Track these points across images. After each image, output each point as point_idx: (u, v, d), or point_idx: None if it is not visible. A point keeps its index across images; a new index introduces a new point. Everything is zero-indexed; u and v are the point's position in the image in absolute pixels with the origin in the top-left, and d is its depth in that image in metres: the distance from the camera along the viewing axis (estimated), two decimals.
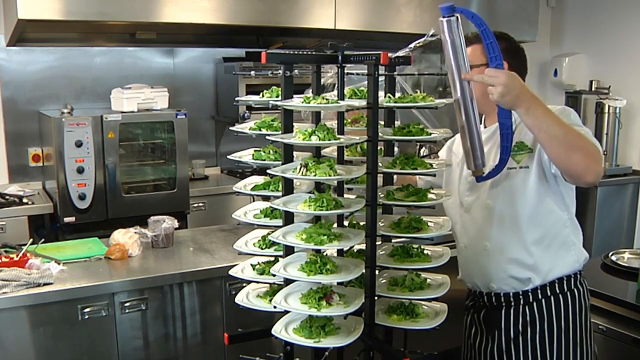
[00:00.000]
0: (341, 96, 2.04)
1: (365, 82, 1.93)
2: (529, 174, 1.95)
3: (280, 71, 1.92)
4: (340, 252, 2.08)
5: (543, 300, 2.00)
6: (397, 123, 2.11)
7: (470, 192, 2.08)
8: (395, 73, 2.04)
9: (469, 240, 2.11)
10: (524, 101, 1.73)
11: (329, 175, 1.84)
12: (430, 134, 1.98)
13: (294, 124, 1.98)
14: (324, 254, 1.91)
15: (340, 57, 1.97)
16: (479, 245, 2.06)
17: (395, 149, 2.17)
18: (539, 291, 2.00)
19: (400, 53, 1.99)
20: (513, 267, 2.00)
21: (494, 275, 2.04)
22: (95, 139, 3.71)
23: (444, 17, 1.69)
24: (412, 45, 2.02)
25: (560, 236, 2.00)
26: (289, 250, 1.95)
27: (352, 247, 2.04)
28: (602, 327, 2.29)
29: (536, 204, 1.96)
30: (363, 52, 1.88)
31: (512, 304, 2.03)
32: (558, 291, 2.00)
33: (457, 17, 1.70)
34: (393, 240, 2.16)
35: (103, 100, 4.15)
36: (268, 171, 1.98)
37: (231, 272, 2.14)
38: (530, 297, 2.01)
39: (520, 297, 2.02)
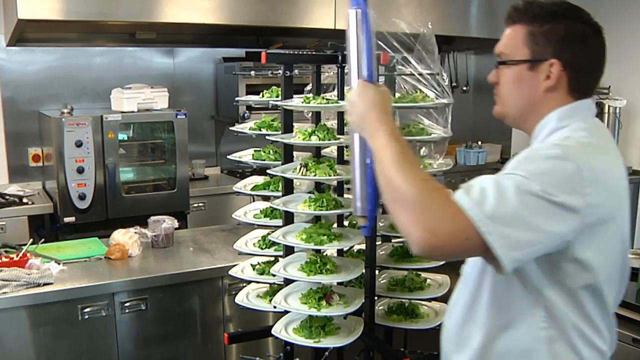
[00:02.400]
0: (341, 96, 2.05)
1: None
2: None
3: (280, 71, 1.92)
4: (340, 252, 2.08)
5: None
6: (397, 122, 2.12)
7: None
8: (395, 73, 2.04)
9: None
10: (368, 127, 1.29)
11: (329, 175, 1.84)
12: (430, 133, 1.98)
13: (294, 124, 1.98)
14: (324, 254, 1.91)
15: (340, 57, 1.97)
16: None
17: None
18: None
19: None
20: None
21: None
22: (95, 139, 3.71)
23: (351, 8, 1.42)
24: None
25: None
26: (289, 250, 1.95)
27: (352, 247, 2.04)
28: None
29: (500, 291, 1.26)
30: None
31: None
32: None
33: (362, 11, 1.42)
34: (393, 240, 2.16)
35: (103, 100, 4.15)
36: (268, 171, 1.98)
37: (231, 272, 2.14)
38: None
39: None
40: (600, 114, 4.80)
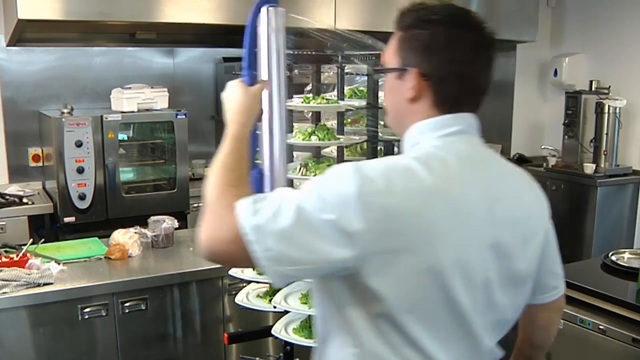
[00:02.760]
0: (341, 96, 2.05)
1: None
2: None
3: None
4: None
5: None
6: None
7: None
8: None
9: None
10: (226, 124, 1.33)
11: None
12: None
13: (294, 124, 1.98)
14: None
15: (340, 57, 1.97)
16: None
17: (395, 149, 2.18)
18: None
19: None
20: None
21: None
22: (95, 139, 3.71)
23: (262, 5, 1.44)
24: None
25: None
26: None
27: None
28: (602, 327, 2.28)
29: (320, 304, 1.24)
30: (363, 52, 1.88)
31: None
32: None
33: (254, 9, 1.44)
34: None
35: (103, 100, 4.15)
36: None
37: (231, 272, 2.14)
38: None
39: None
40: (600, 114, 4.80)
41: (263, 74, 1.42)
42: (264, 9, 1.42)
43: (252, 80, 1.40)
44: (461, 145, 1.16)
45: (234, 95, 1.37)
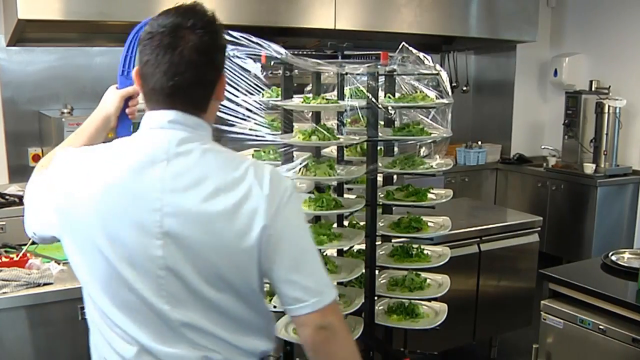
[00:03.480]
0: (341, 96, 2.05)
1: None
2: None
3: (280, 71, 1.92)
4: (340, 252, 2.08)
5: None
6: (397, 123, 2.12)
7: None
8: (395, 73, 2.04)
9: None
10: None
11: (329, 175, 1.84)
12: (430, 134, 1.98)
13: (294, 124, 1.98)
14: (324, 254, 1.91)
15: (340, 57, 1.97)
16: None
17: (395, 149, 2.18)
18: None
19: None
20: None
21: None
22: None
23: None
24: None
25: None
26: None
27: (352, 247, 2.04)
28: (602, 327, 2.28)
29: None
30: (363, 52, 1.88)
31: None
32: None
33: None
34: (393, 240, 2.16)
35: None
36: None
37: None
38: None
39: None
40: (600, 114, 4.80)
41: None
42: None
43: (122, 85, 1.64)
44: (146, 140, 1.29)
45: (103, 97, 1.63)
